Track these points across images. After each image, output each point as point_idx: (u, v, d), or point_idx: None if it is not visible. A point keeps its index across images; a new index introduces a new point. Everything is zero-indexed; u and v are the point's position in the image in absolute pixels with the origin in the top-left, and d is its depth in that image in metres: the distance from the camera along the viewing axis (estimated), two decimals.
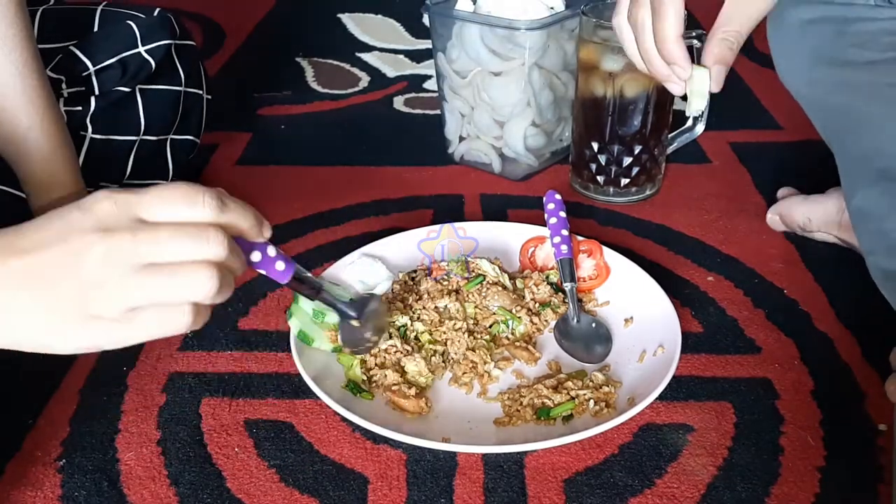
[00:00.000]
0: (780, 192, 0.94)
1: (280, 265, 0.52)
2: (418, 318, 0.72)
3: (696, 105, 0.60)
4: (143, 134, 0.89)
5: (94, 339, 0.43)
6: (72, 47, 0.85)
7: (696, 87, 0.59)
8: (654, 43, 0.58)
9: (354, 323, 0.64)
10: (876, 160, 0.69)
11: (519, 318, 0.73)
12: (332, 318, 0.71)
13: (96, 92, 0.86)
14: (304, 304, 0.70)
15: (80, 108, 0.85)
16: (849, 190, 0.72)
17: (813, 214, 0.87)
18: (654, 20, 0.57)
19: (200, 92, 0.97)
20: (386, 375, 0.67)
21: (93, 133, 0.85)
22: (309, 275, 0.57)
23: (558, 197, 0.81)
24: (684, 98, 0.65)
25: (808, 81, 0.79)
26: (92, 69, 0.86)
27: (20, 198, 0.74)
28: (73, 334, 0.43)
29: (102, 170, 0.86)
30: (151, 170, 0.92)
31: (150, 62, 0.89)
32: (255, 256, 0.51)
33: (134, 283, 0.41)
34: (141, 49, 0.87)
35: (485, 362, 0.69)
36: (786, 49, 0.73)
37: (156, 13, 0.90)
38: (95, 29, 0.87)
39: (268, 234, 0.49)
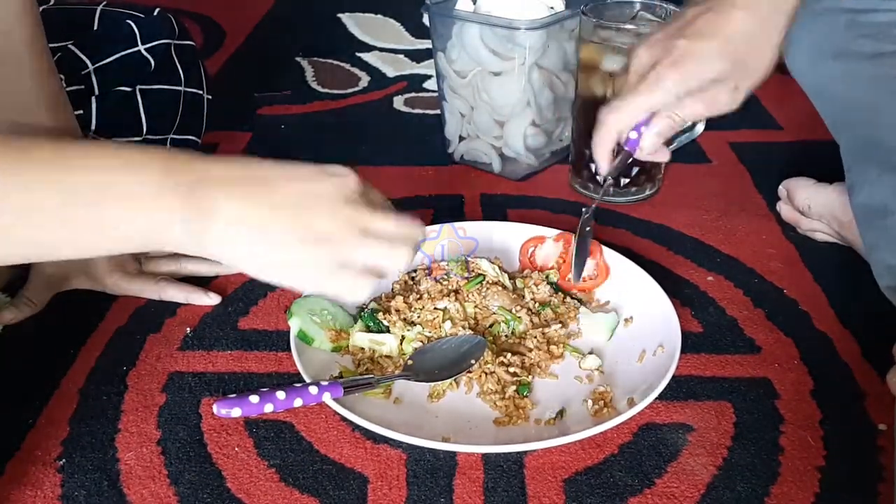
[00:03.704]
0: (789, 182, 0.93)
1: (326, 394, 0.60)
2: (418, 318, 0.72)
3: None
4: (146, 134, 0.89)
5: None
6: (70, 46, 0.85)
7: None
8: None
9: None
10: (883, 154, 0.68)
11: (519, 317, 0.73)
12: (332, 318, 0.71)
13: (96, 91, 0.86)
14: (305, 304, 0.70)
15: (81, 111, 0.85)
16: (854, 184, 0.72)
17: (814, 200, 0.86)
18: None
19: (200, 92, 0.97)
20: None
21: (95, 135, 0.85)
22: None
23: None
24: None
25: (816, 71, 0.78)
26: (91, 67, 0.86)
27: None
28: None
29: None
30: None
31: (149, 61, 0.89)
32: (297, 402, 0.59)
33: (360, 243, 0.52)
34: (140, 48, 0.88)
35: (486, 362, 0.69)
36: (795, 38, 0.72)
37: (156, 13, 0.90)
38: (95, 28, 0.87)
39: None
